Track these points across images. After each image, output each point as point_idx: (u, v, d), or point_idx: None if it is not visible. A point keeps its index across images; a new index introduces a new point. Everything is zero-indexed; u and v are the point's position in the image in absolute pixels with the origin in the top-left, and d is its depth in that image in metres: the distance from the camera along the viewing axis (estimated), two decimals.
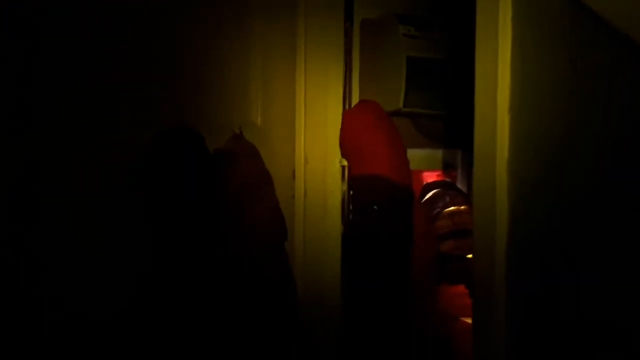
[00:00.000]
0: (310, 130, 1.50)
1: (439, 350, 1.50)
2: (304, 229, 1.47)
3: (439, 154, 1.79)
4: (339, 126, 1.50)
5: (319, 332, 1.47)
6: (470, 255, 1.56)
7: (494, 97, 0.88)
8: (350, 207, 1.42)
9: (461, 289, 1.50)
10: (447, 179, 1.82)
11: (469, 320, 1.49)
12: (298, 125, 1.49)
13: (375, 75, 1.56)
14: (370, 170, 1.38)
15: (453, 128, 1.74)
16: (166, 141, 1.19)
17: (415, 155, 1.67)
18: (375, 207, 1.34)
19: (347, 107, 1.53)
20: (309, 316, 1.44)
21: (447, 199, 1.64)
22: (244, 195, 1.23)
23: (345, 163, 1.51)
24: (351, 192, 1.42)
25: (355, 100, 1.55)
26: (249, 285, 1.24)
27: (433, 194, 1.68)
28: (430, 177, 1.83)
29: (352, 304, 1.38)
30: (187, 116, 1.30)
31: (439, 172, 1.83)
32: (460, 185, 1.79)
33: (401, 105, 1.48)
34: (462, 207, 1.61)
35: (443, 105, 1.53)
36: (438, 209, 1.62)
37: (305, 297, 1.44)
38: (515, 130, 0.87)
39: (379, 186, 1.36)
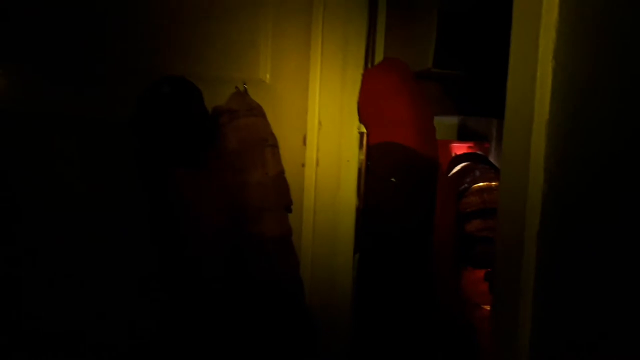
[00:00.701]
0: (326, 91, 1.34)
1: (461, 337, 1.37)
2: (314, 202, 1.33)
3: (470, 123, 1.61)
4: (359, 87, 1.34)
5: (330, 312, 1.35)
6: None
7: (534, 40, 0.69)
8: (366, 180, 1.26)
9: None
10: (479, 152, 1.64)
11: None
12: (312, 85, 1.33)
13: (402, 31, 1.38)
14: (391, 138, 1.22)
15: (487, 94, 1.55)
16: (157, 92, 1.05)
17: (443, 123, 1.50)
18: (393, 179, 1.19)
19: (368, 65, 1.36)
20: (319, 298, 1.32)
21: (477, 173, 1.46)
22: (242, 158, 1.09)
23: (363, 129, 1.35)
24: (369, 163, 1.26)
25: (378, 58, 1.37)
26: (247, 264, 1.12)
27: (461, 167, 1.50)
28: (460, 148, 1.65)
29: (367, 287, 1.25)
30: (186, 68, 1.16)
31: (471, 144, 1.65)
32: (493, 159, 1.61)
33: (430, 64, 1.30)
34: (493, 183, 1.44)
35: (477, 68, 1.34)
36: (466, 185, 1.45)
37: (315, 278, 1.32)
38: (559, 82, 0.68)
39: (400, 157, 1.20)
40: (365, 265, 1.25)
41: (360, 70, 1.35)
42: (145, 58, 1.19)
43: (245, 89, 1.20)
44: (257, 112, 1.19)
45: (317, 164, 1.34)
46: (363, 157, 1.37)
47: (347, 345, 1.36)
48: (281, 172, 1.14)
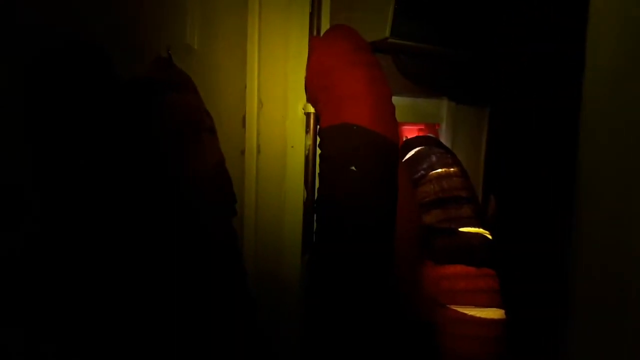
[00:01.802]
0: (267, 63, 1.12)
1: (423, 339, 1.23)
2: (256, 195, 1.12)
3: (421, 103, 1.46)
4: (304, 59, 1.14)
5: (276, 314, 1.14)
6: (464, 229, 1.28)
7: None
8: (318, 169, 1.07)
9: (450, 269, 1.21)
10: (431, 134, 1.51)
11: (460, 309, 1.22)
12: (250, 54, 1.10)
13: None
14: (346, 118, 1.02)
15: (442, 70, 1.41)
16: (51, 59, 0.78)
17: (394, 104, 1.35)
18: (353, 168, 1.00)
19: (315, 33, 1.16)
20: (264, 301, 1.11)
21: (433, 158, 1.32)
22: (171, 145, 0.85)
23: (311, 109, 1.15)
24: (320, 149, 1.07)
25: (325, 25, 1.18)
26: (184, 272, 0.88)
27: (415, 152, 1.35)
28: (411, 131, 1.51)
29: (319, 294, 1.05)
30: (91, 28, 0.89)
31: (421, 126, 1.52)
32: (445, 141, 1.49)
33: (388, 34, 1.13)
34: (452, 169, 1.30)
35: (440, 40, 1.19)
36: (422, 172, 1.31)
37: (259, 282, 1.10)
38: None
39: (359, 141, 1.01)
40: (317, 268, 1.05)
41: (306, 39, 1.15)
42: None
43: (170, 55, 0.94)
44: (188, 86, 0.94)
45: (259, 151, 1.12)
46: (310, 142, 1.17)
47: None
48: (221, 162, 0.91)
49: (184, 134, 0.89)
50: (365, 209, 1.00)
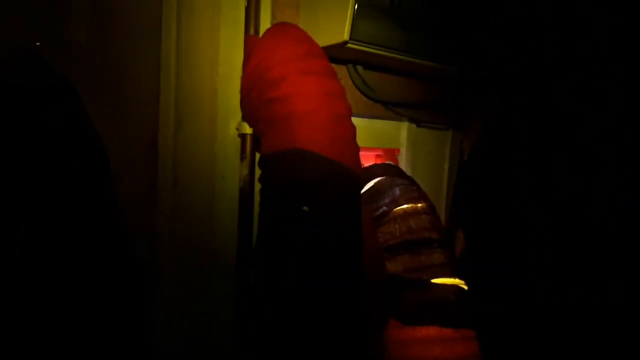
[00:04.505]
0: (188, 67, 0.84)
1: None
2: (171, 242, 0.82)
3: (378, 124, 1.24)
4: (240, 64, 0.87)
5: None
6: (438, 280, 1.05)
7: None
8: (257, 208, 0.80)
9: (423, 332, 0.97)
10: (390, 162, 1.28)
11: None
12: (165, 56, 0.82)
13: None
14: (296, 142, 0.77)
15: (407, 86, 1.20)
16: None
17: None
18: (305, 208, 0.74)
19: (252, 32, 0.90)
20: None
21: (397, 191, 1.08)
22: (41, 179, 0.55)
23: (248, 130, 0.88)
24: (260, 182, 0.80)
25: (265, 23, 0.92)
26: None
27: (375, 183, 1.11)
28: (367, 157, 1.28)
29: None
30: None
31: (379, 151, 1.28)
32: (405, 169, 1.26)
33: (346, 37, 0.89)
34: (419, 205, 1.07)
35: (412, 47, 0.97)
36: (384, 208, 1.06)
37: None
38: None
39: (311, 172, 0.76)
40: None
41: (241, 38, 0.88)
42: None
43: (38, 49, 0.65)
44: (71, 94, 0.65)
45: (176, 183, 0.83)
46: (246, 171, 0.90)
47: None
48: (113, 204, 0.61)
49: (59, 161, 0.60)
50: (321, 266, 0.74)
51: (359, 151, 0.87)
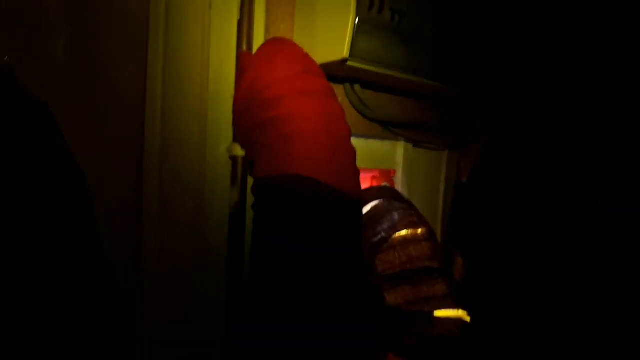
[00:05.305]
0: (175, 85, 0.78)
1: None
2: (157, 276, 0.75)
3: (374, 145, 1.18)
4: (232, 82, 0.81)
5: None
6: (440, 312, 0.99)
7: None
8: (252, 240, 0.73)
9: None
10: (387, 184, 1.22)
11: None
12: (151, 71, 0.76)
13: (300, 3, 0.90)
14: (294, 167, 0.70)
15: (406, 106, 1.15)
16: None
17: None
18: (305, 239, 0.68)
19: (245, 48, 0.84)
20: None
21: (395, 216, 1.03)
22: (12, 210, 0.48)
23: (240, 152, 0.82)
24: (253, 210, 0.73)
25: (259, 38, 0.86)
26: None
27: (372, 208, 1.06)
28: (363, 179, 1.22)
29: None
30: None
31: (375, 173, 1.23)
32: (401, 190, 1.21)
33: (346, 54, 0.83)
34: (419, 231, 1.02)
35: (407, 62, 0.92)
36: (382, 234, 1.00)
37: None
38: None
39: (313, 200, 0.69)
40: None
41: (233, 54, 0.82)
42: None
43: (10, 66, 0.58)
44: (48, 118, 0.58)
45: (163, 207, 0.76)
46: (237, 198, 0.83)
47: None
48: (93, 241, 0.54)
49: (31, 192, 0.53)
50: (324, 305, 0.67)
51: (359, 175, 0.82)
